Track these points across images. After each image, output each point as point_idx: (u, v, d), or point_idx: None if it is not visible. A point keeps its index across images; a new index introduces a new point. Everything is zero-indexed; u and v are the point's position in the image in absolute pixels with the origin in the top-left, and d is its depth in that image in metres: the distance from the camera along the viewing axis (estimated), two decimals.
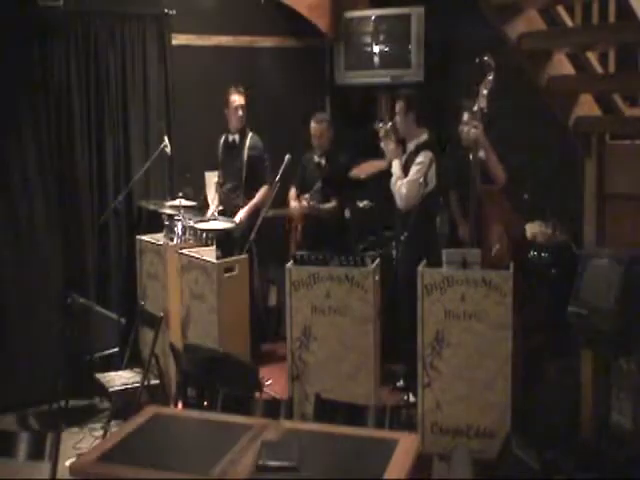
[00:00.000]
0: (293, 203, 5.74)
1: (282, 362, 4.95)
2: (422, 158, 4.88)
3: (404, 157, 5.01)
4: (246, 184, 5.68)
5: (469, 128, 4.63)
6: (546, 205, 5.24)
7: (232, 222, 5.45)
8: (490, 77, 4.41)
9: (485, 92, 4.43)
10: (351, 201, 6.01)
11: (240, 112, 5.67)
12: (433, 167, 4.85)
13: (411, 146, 5.01)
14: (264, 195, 5.62)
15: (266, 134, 5.81)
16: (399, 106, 5.04)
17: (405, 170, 4.93)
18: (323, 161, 5.65)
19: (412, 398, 4.70)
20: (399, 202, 4.93)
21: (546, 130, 5.13)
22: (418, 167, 4.86)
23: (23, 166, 5.32)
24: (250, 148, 5.67)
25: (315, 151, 5.68)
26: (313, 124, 5.62)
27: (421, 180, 4.77)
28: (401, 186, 4.88)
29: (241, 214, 5.59)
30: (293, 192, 5.80)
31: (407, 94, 5.09)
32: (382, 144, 5.03)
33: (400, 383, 5.11)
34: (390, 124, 5.02)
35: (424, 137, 5.00)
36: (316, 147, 5.66)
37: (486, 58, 4.42)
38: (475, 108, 4.48)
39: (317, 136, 5.61)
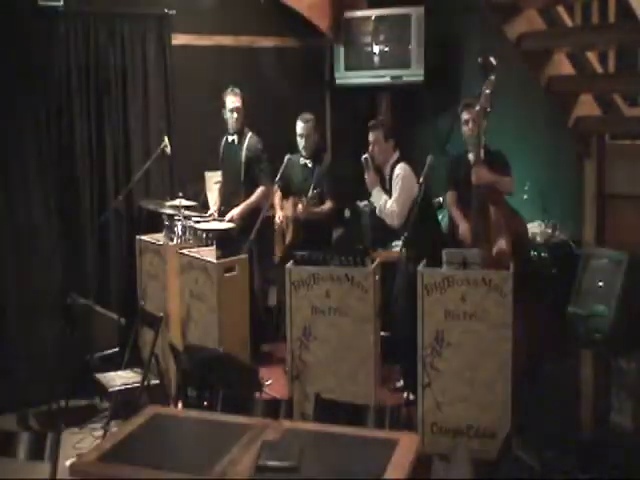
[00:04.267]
0: (279, 214, 5.63)
1: (282, 362, 4.95)
2: (399, 171, 5.03)
3: (388, 180, 5.14)
4: (245, 184, 5.67)
5: (472, 127, 4.68)
6: (546, 205, 5.24)
7: (223, 222, 5.46)
8: (493, 77, 4.41)
9: (488, 92, 4.43)
10: (350, 201, 6.02)
11: (235, 114, 5.65)
12: (411, 175, 5.00)
13: (387, 170, 5.13)
14: (260, 196, 5.58)
15: (266, 134, 5.80)
16: (376, 135, 5.09)
17: (388, 192, 5.08)
18: (310, 163, 5.59)
19: (411, 396, 4.72)
20: (392, 221, 5.05)
21: (546, 129, 5.13)
22: (400, 182, 5.00)
23: (23, 166, 5.32)
24: (248, 148, 5.66)
25: (301, 153, 5.59)
26: (299, 124, 5.53)
27: (405, 193, 4.96)
28: (391, 205, 5.01)
29: (232, 213, 5.58)
30: (278, 197, 5.70)
31: (384, 122, 5.20)
32: (366, 175, 5.10)
33: (400, 383, 5.11)
34: (366, 155, 5.07)
35: (396, 156, 5.13)
36: (302, 148, 5.55)
37: (490, 58, 4.42)
38: (478, 108, 4.49)
39: (304, 136, 5.50)
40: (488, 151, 4.62)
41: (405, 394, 4.90)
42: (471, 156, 4.78)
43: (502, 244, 4.53)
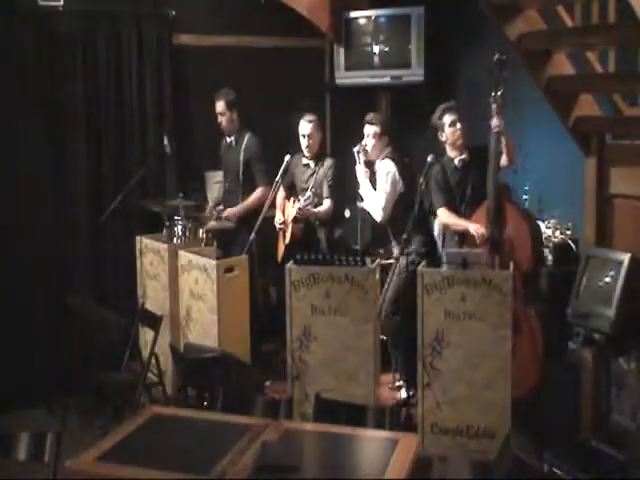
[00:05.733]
0: (279, 216, 5.62)
1: (282, 362, 4.94)
2: (384, 167, 5.04)
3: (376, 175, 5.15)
4: (243, 185, 5.64)
5: (461, 127, 4.70)
6: (546, 205, 5.24)
7: (222, 220, 5.46)
8: (506, 73, 4.39)
9: (502, 89, 4.41)
10: (350, 201, 6.01)
11: (219, 119, 5.60)
12: (396, 172, 5.01)
13: (376, 165, 5.13)
14: (258, 197, 5.54)
15: (266, 134, 5.79)
16: (373, 130, 5.09)
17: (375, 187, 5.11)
18: (312, 164, 5.56)
19: (408, 394, 4.74)
20: (376, 216, 5.06)
21: (546, 129, 5.13)
22: (385, 177, 5.01)
23: (22, 166, 5.32)
24: (246, 149, 5.62)
25: (304, 153, 5.55)
26: (303, 124, 5.48)
27: (390, 188, 4.98)
28: (376, 200, 5.02)
29: (229, 212, 5.57)
30: (281, 200, 5.70)
31: (380, 119, 5.18)
32: (356, 167, 5.15)
33: (400, 383, 5.11)
34: (359, 146, 5.10)
35: (386, 152, 5.12)
36: (305, 148, 5.50)
37: (505, 55, 4.39)
38: (494, 106, 4.45)
39: (306, 136, 5.45)
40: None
41: (405, 394, 4.91)
42: (457, 161, 4.76)
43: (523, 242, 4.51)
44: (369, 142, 5.09)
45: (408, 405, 4.85)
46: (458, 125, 4.72)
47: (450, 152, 4.81)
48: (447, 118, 4.75)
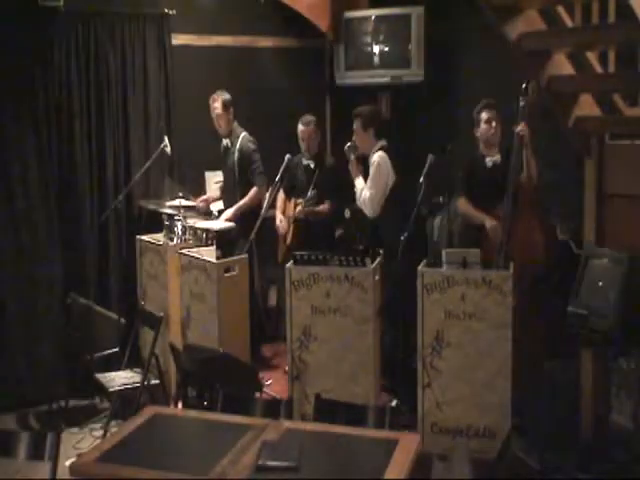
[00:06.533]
0: (280, 217, 5.65)
1: (282, 362, 4.94)
2: (374, 159, 5.01)
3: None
4: (240, 185, 5.65)
5: (496, 125, 4.70)
6: (546, 205, 5.24)
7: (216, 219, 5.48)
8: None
9: (532, 92, 4.41)
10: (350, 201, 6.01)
11: (216, 122, 5.62)
12: (388, 164, 4.97)
13: (370, 158, 5.11)
14: (252, 197, 5.56)
15: (266, 134, 5.79)
16: (355, 124, 5.09)
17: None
18: (312, 164, 5.57)
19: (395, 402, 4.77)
20: (366, 210, 5.05)
21: (546, 129, 5.13)
22: (374, 169, 4.99)
23: (23, 166, 5.32)
24: (239, 150, 5.63)
25: (304, 154, 5.59)
26: (300, 127, 5.51)
27: (378, 180, 4.95)
28: (364, 193, 5.00)
29: (226, 213, 5.58)
30: (281, 201, 5.72)
31: (363, 111, 5.15)
32: (349, 165, 5.14)
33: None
34: (350, 143, 5.09)
35: (378, 145, 5.09)
36: (304, 151, 5.55)
37: None
38: (522, 103, 4.46)
39: (305, 139, 5.50)
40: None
41: (394, 403, 4.89)
42: (488, 161, 4.77)
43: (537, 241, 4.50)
44: (357, 136, 5.09)
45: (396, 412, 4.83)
46: (493, 124, 4.74)
47: (483, 149, 4.84)
48: (484, 115, 4.77)
